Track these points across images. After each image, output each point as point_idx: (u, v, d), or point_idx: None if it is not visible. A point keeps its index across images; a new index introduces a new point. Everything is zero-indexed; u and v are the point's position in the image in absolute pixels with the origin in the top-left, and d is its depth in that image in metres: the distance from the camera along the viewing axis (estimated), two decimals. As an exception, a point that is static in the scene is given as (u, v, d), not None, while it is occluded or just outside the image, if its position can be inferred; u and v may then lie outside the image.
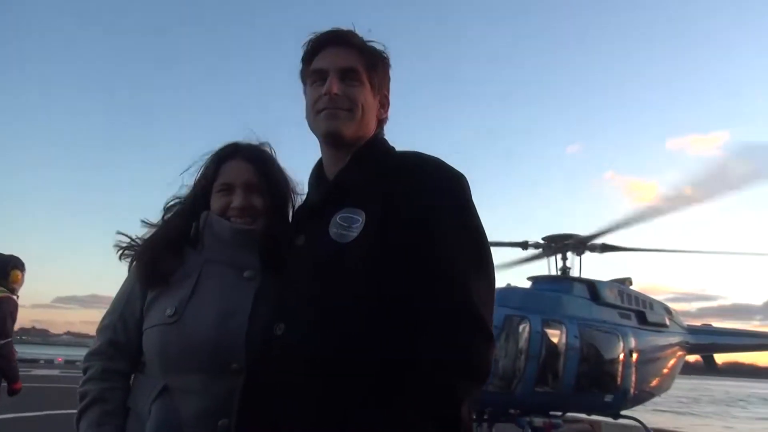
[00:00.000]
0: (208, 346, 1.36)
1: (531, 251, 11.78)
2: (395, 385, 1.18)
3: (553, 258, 11.63)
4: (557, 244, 11.43)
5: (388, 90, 1.55)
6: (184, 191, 1.62)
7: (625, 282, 11.62)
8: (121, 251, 1.58)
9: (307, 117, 1.49)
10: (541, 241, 11.53)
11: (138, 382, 1.47)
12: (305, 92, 1.52)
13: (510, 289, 10.58)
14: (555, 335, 9.64)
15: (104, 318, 1.52)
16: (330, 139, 1.44)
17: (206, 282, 1.45)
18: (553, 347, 9.52)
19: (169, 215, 1.60)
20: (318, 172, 1.52)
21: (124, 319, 1.48)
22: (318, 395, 1.23)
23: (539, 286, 10.80)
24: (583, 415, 10.64)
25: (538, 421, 9.42)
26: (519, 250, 11.84)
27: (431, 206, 1.29)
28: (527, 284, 11.22)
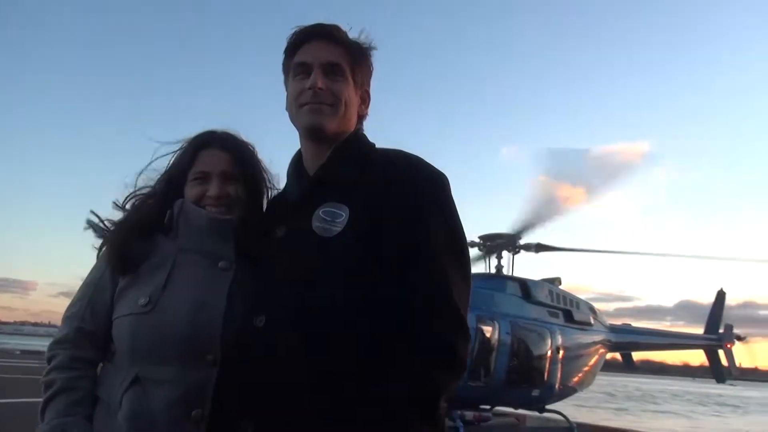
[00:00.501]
0: (183, 336, 1.34)
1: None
2: (380, 379, 1.20)
3: (488, 256, 11.97)
4: (492, 243, 11.77)
5: (369, 86, 1.55)
6: (143, 179, 1.58)
7: (555, 281, 12.10)
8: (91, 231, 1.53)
9: (289, 109, 1.49)
10: (477, 240, 11.83)
11: (107, 371, 1.43)
12: (286, 84, 1.52)
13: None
14: (488, 332, 9.93)
15: (72, 305, 1.47)
16: (312, 134, 1.44)
17: (180, 271, 1.42)
18: (485, 343, 9.81)
19: (138, 200, 1.55)
20: (297, 165, 1.51)
21: (93, 306, 1.43)
22: (299, 388, 1.24)
23: (474, 284, 11.09)
24: (509, 409, 11.01)
25: (469, 414, 9.70)
26: None
27: (418, 206, 1.32)
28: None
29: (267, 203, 1.59)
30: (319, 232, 1.33)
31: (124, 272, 1.42)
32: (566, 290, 12.09)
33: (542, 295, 11.17)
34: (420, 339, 1.23)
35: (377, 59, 1.53)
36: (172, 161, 1.57)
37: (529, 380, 10.17)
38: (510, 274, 11.69)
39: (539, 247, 11.86)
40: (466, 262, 1.37)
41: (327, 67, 1.43)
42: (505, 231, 11.83)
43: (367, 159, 1.44)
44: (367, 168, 1.40)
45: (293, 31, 1.49)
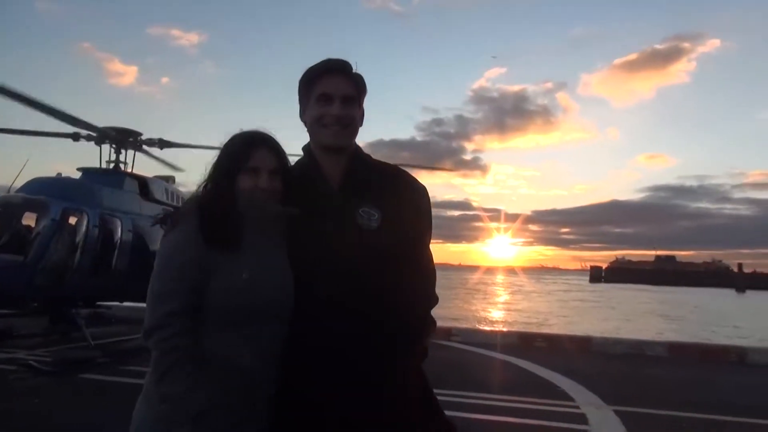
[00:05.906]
0: (276, 303, 1.77)
1: (83, 143, 11.21)
2: (407, 325, 1.93)
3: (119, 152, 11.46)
4: (113, 137, 11.26)
5: None
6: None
7: (169, 180, 12.48)
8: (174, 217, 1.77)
9: (311, 125, 1.98)
10: (94, 134, 11.10)
11: (207, 330, 1.71)
12: (303, 101, 2.01)
13: (64, 180, 10.06)
14: (109, 229, 9.83)
15: (172, 279, 1.69)
16: (333, 150, 1.98)
17: (260, 249, 1.80)
18: (107, 240, 9.72)
19: (210, 190, 1.83)
20: (316, 167, 1.99)
21: (195, 282, 1.69)
22: (368, 339, 1.84)
23: (94, 179, 10.55)
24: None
25: (86, 311, 9.63)
26: (69, 141, 11.12)
27: (419, 215, 2.06)
28: (76, 175, 10.79)
29: (291, 193, 1.92)
30: (363, 227, 1.92)
31: (224, 251, 1.73)
32: (181, 189, 12.60)
33: (159, 193, 11.48)
34: (423, 298, 2.01)
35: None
36: (225, 155, 1.86)
37: (148, 276, 10.54)
38: (130, 170, 11.50)
39: (162, 143, 11.91)
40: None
41: (345, 98, 1.97)
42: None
43: (375, 169, 2.06)
44: (382, 180, 2.03)
45: (319, 63, 1.99)
